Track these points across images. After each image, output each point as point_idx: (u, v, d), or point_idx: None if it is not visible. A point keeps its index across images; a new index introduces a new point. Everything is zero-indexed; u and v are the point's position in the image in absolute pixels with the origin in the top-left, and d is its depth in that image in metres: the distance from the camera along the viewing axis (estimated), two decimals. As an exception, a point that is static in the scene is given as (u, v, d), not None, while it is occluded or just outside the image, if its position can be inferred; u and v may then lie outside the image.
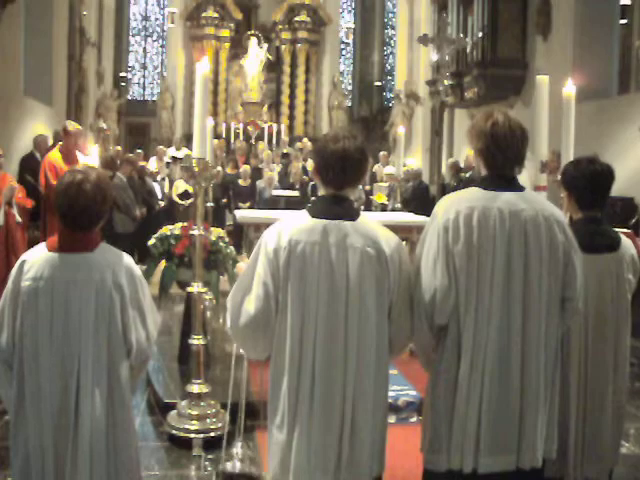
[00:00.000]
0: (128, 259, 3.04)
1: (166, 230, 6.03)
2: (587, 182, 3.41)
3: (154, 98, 24.56)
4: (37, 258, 2.93)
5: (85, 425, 2.87)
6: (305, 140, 19.30)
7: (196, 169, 4.60)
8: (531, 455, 2.83)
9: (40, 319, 2.87)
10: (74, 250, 2.93)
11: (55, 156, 7.49)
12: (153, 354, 6.46)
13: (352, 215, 2.79)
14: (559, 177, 3.66)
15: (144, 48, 26.78)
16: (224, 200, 13.43)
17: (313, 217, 2.76)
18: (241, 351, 3.09)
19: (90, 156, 4.18)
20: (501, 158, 2.85)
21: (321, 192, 2.87)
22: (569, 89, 4.47)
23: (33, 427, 2.87)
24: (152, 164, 15.40)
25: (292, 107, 22.89)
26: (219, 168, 14.01)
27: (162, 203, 13.28)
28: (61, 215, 2.96)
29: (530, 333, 2.79)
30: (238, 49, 22.42)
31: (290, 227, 2.75)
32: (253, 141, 20.03)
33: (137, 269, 3.05)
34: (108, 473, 2.94)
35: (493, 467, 2.80)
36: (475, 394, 2.78)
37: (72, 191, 2.90)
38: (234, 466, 4.24)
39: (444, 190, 11.37)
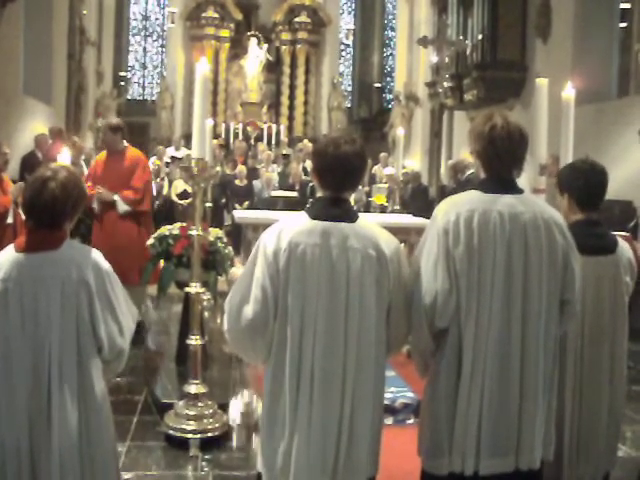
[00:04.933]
0: (95, 254, 3.00)
1: (165, 230, 6.02)
2: (586, 180, 3.41)
3: (154, 98, 24.57)
4: (5, 259, 2.92)
5: (55, 424, 2.84)
6: (306, 141, 19.30)
7: (195, 169, 4.60)
8: (529, 457, 2.83)
9: (11, 320, 2.85)
10: (39, 249, 2.92)
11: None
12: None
13: (351, 217, 2.79)
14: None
15: (144, 48, 26.81)
16: (222, 200, 13.44)
17: (312, 219, 2.76)
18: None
19: (62, 156, 4.22)
20: (498, 162, 2.85)
21: (319, 194, 2.87)
22: (568, 92, 4.47)
23: (8, 427, 2.84)
24: (151, 164, 15.40)
25: (291, 108, 22.93)
26: (218, 168, 14.02)
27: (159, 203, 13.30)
28: (25, 210, 2.98)
29: (530, 335, 2.79)
30: (238, 49, 22.47)
31: (290, 229, 2.74)
32: (252, 141, 20.04)
33: (105, 263, 3.00)
34: (82, 473, 2.90)
35: (493, 469, 2.80)
36: (476, 397, 2.78)
37: (36, 186, 2.91)
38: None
39: (443, 192, 11.39)
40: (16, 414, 2.84)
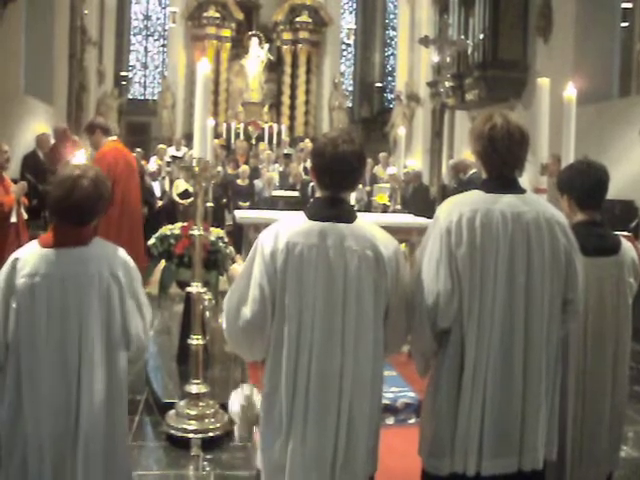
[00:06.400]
0: (122, 252, 3.08)
1: (166, 230, 6.02)
2: (585, 181, 3.40)
3: (155, 97, 24.58)
4: (31, 255, 2.94)
5: (84, 420, 2.89)
6: (307, 141, 19.32)
7: (196, 169, 4.60)
8: (532, 457, 2.83)
9: (36, 316, 2.87)
10: (69, 245, 2.95)
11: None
12: (152, 353, 6.51)
13: (349, 217, 2.78)
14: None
15: (145, 47, 26.82)
16: (224, 200, 13.44)
17: (310, 219, 2.76)
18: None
19: (77, 157, 4.25)
20: (498, 161, 2.84)
21: (318, 194, 2.87)
22: (570, 92, 4.47)
23: (32, 426, 2.87)
24: (152, 163, 15.42)
25: (293, 107, 22.95)
26: (219, 168, 14.03)
27: (160, 202, 13.31)
28: (55, 208, 2.98)
29: (532, 335, 2.78)
30: (239, 49, 22.49)
31: (287, 229, 2.74)
32: (253, 141, 20.05)
33: (131, 261, 3.09)
34: (106, 469, 2.96)
35: (496, 469, 2.80)
36: (478, 397, 2.78)
37: (68, 185, 2.93)
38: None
39: (444, 191, 11.37)
40: (41, 413, 2.87)
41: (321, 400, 2.70)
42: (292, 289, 2.69)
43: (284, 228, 2.75)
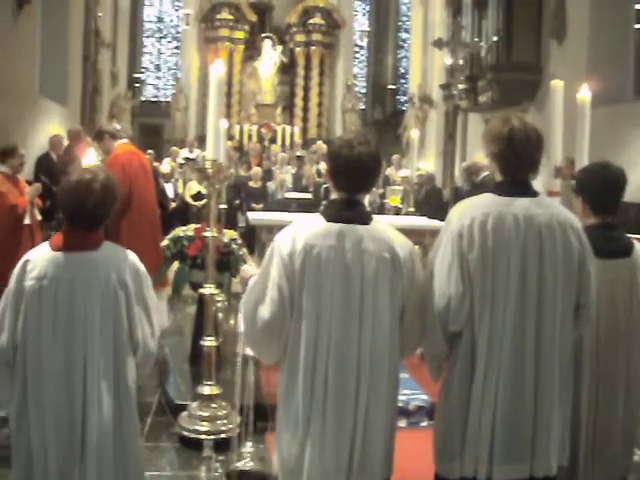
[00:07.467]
0: (132, 257, 3.06)
1: (179, 231, 6.04)
2: (599, 183, 3.39)
3: (168, 99, 24.65)
4: (41, 257, 2.95)
5: (93, 425, 2.88)
6: (320, 143, 19.32)
7: (210, 171, 4.61)
8: (544, 463, 2.81)
9: (43, 318, 2.88)
10: (79, 249, 2.95)
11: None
12: (164, 355, 6.52)
13: (365, 219, 2.79)
14: (573, 183, 3.65)
15: (158, 49, 26.88)
16: (237, 202, 13.46)
17: (327, 221, 2.76)
18: (248, 352, 3.10)
19: (88, 157, 4.26)
20: (516, 163, 2.84)
21: (334, 195, 2.87)
22: (584, 94, 4.45)
23: (36, 429, 2.88)
24: (165, 165, 15.47)
25: (306, 110, 22.98)
26: (232, 170, 14.05)
27: (173, 204, 13.35)
28: (67, 213, 2.98)
29: (544, 340, 2.77)
30: (252, 51, 22.54)
31: (305, 231, 2.74)
32: (266, 143, 20.08)
33: (141, 266, 3.07)
34: (116, 473, 2.96)
35: (507, 475, 2.78)
36: (489, 402, 2.76)
37: (81, 191, 2.93)
38: (245, 465, 4.24)
39: (457, 194, 11.35)
40: (45, 416, 2.88)
41: (338, 401, 2.70)
42: (310, 290, 2.69)
43: (301, 230, 2.75)
